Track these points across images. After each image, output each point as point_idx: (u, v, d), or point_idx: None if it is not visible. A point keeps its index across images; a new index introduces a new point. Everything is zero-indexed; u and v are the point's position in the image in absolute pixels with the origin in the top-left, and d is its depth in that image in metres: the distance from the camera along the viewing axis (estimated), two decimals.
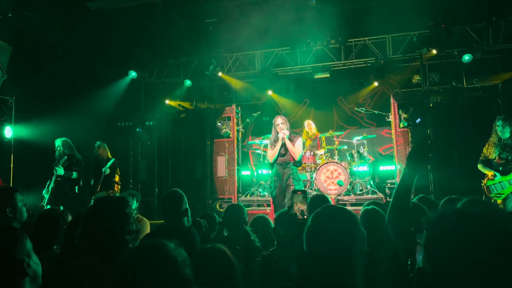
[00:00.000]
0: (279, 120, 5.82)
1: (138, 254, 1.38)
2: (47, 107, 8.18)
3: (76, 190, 6.90)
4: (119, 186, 7.08)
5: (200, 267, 1.87)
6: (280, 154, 5.75)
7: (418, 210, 2.54)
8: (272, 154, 5.82)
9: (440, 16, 8.20)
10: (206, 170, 9.27)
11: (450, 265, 1.12)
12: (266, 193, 8.68)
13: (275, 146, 5.79)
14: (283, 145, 5.72)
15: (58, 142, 6.92)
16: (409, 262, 1.58)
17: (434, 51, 8.47)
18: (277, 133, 5.77)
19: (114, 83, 9.79)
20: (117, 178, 7.03)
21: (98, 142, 7.05)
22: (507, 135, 5.58)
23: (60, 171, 6.55)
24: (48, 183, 6.73)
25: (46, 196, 6.66)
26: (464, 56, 8.23)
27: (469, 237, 1.13)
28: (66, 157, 6.74)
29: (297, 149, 5.75)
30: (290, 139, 5.75)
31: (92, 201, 6.62)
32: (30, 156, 7.82)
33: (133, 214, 2.05)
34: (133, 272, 1.30)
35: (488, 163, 5.75)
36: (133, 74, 9.76)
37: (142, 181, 9.85)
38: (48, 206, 6.59)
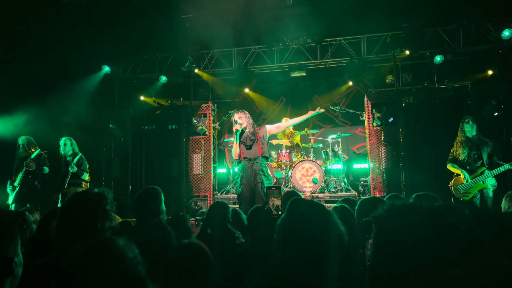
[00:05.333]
0: (235, 117, 5.63)
1: (83, 252, 1.31)
2: (16, 102, 7.93)
3: (38, 186, 6.79)
4: (88, 184, 6.90)
5: (176, 262, 1.84)
6: (247, 147, 5.56)
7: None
8: (233, 150, 5.64)
9: (413, 18, 8.39)
10: (182, 167, 9.18)
11: (397, 256, 1.14)
12: None
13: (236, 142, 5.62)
14: (248, 139, 5.53)
15: (21, 140, 6.78)
16: (358, 254, 1.60)
17: (407, 52, 8.66)
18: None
19: (87, 78, 9.55)
20: (87, 177, 6.85)
21: (63, 138, 6.83)
22: (474, 133, 5.77)
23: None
24: (9, 181, 6.60)
25: (12, 194, 6.48)
26: (435, 57, 8.46)
27: (415, 228, 1.15)
28: (35, 154, 6.67)
29: (270, 127, 5.74)
30: (253, 132, 5.57)
31: (60, 197, 6.46)
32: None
33: (113, 211, 1.95)
34: (78, 271, 1.24)
35: (457, 162, 5.91)
36: (106, 69, 9.55)
37: (115, 179, 9.62)
38: (13, 204, 6.43)
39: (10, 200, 6.53)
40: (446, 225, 1.15)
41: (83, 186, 6.78)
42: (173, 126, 9.43)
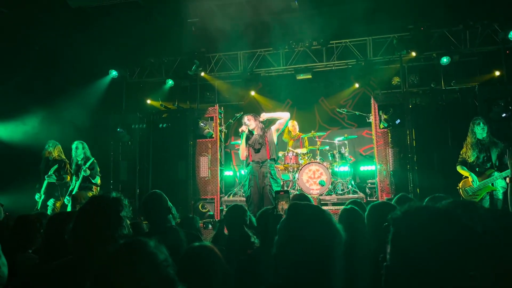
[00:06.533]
0: (245, 119, 5.75)
1: (116, 253, 1.32)
2: (25, 107, 8.01)
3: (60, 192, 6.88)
4: (98, 188, 6.95)
5: (187, 264, 1.86)
6: (255, 150, 5.61)
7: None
8: (240, 151, 5.72)
9: (419, 19, 8.37)
10: (189, 170, 9.21)
11: (414, 258, 1.15)
12: None
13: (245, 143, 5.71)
14: (257, 143, 5.59)
15: (49, 142, 6.92)
16: (380, 259, 1.61)
17: (414, 54, 8.63)
18: None
19: (94, 82, 9.63)
20: (98, 181, 6.91)
21: (76, 141, 6.87)
22: (484, 135, 5.72)
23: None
24: (38, 186, 6.72)
25: (40, 201, 6.62)
26: (442, 59, 8.43)
27: (432, 230, 1.17)
28: (58, 163, 6.81)
29: (277, 123, 5.75)
30: (262, 135, 5.63)
31: (70, 200, 6.51)
32: (6, 156, 7.64)
33: (129, 217, 1.95)
34: (111, 273, 1.25)
35: (466, 164, 5.86)
36: (113, 73, 9.63)
37: (123, 182, 9.69)
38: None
39: (39, 206, 6.64)
40: (462, 228, 1.16)
41: (94, 190, 6.82)
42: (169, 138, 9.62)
